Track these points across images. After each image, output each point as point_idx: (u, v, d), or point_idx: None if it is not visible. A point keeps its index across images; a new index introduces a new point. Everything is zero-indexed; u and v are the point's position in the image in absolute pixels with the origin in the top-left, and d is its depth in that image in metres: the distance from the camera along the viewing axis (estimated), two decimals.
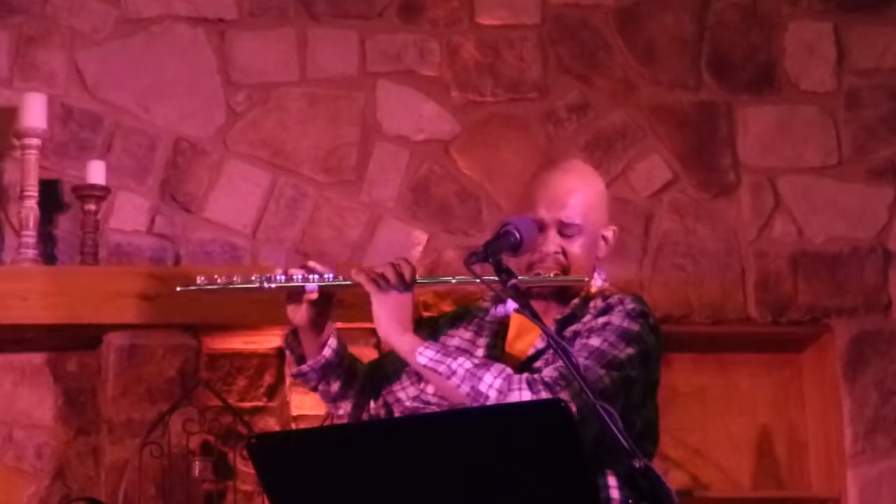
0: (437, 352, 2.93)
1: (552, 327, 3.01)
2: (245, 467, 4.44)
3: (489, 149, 4.96)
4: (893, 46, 5.16)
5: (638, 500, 2.47)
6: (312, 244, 4.83)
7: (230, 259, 4.77)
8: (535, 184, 3.14)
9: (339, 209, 4.87)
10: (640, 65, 5.06)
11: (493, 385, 2.85)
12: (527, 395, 2.81)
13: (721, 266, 4.96)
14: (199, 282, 3.07)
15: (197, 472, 4.42)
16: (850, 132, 5.09)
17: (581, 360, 2.86)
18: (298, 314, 3.06)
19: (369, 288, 2.99)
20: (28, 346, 4.57)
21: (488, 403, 2.83)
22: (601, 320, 2.98)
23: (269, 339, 4.57)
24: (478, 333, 3.13)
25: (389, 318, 2.97)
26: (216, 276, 3.05)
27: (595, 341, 2.93)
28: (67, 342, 4.57)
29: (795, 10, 5.15)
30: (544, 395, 2.78)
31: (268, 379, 4.64)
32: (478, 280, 2.87)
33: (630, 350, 2.93)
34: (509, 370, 2.89)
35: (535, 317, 2.77)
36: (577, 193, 3.09)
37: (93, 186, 4.63)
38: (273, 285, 3.02)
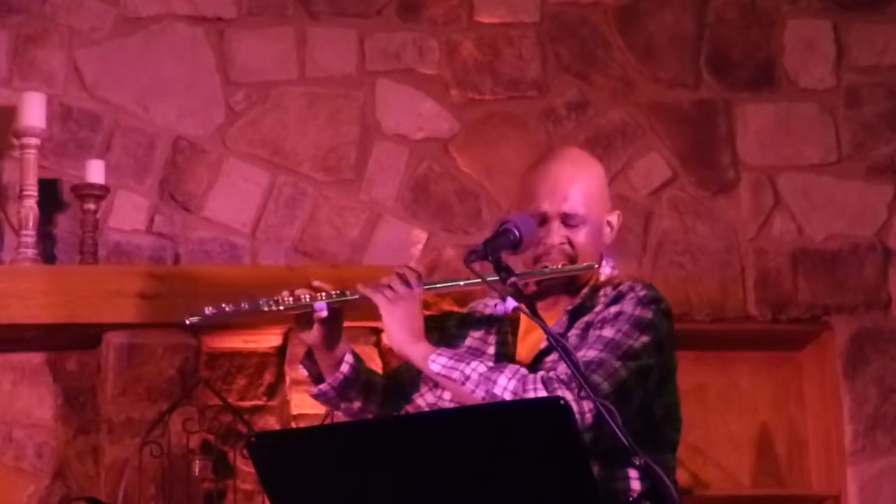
0: (450, 358, 2.91)
1: (563, 318, 3.00)
2: (245, 466, 4.43)
3: (488, 147, 4.96)
4: (893, 44, 5.16)
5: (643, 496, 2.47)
6: (312, 243, 4.83)
7: (230, 258, 4.77)
8: (533, 176, 3.11)
9: (339, 208, 4.87)
10: (640, 63, 5.06)
11: (508, 387, 2.83)
12: (542, 394, 2.79)
13: (721, 264, 4.96)
14: (206, 312, 3.02)
15: (197, 471, 4.42)
16: (850, 130, 5.09)
17: (596, 353, 2.85)
18: (311, 334, 3.04)
19: (377, 300, 2.96)
20: (28, 345, 4.57)
21: None
22: (613, 309, 2.96)
23: (269, 338, 4.57)
24: (487, 332, 3.11)
25: (400, 329, 2.95)
26: (224, 306, 3.02)
27: (609, 332, 2.91)
28: (67, 341, 4.57)
29: (795, 8, 5.15)
30: (560, 392, 2.76)
31: (268, 378, 4.64)
32: (484, 280, 2.86)
33: (644, 338, 2.90)
34: (523, 370, 2.86)
35: (534, 315, 2.76)
36: (578, 183, 3.07)
37: (92, 186, 4.63)
38: (281, 307, 2.99)
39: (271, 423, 4.61)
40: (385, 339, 3.02)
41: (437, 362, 2.90)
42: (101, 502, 4.33)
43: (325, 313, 3.00)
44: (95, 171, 4.64)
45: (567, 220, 3.04)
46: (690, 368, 4.93)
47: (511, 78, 5.01)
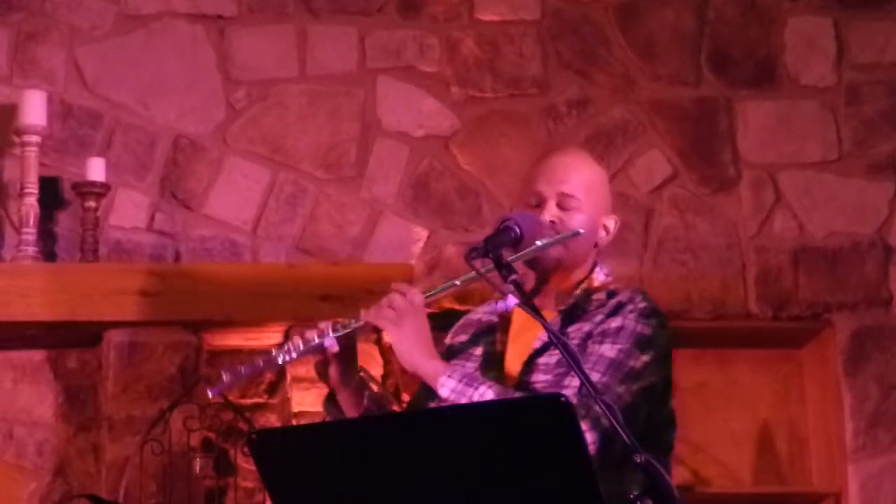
0: (460, 381, 2.87)
1: (556, 318, 2.98)
2: (246, 464, 4.44)
3: (489, 145, 4.96)
4: (893, 41, 5.15)
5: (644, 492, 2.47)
6: (312, 241, 4.83)
7: (230, 256, 4.77)
8: (535, 166, 3.10)
9: (339, 205, 4.87)
10: (640, 60, 5.06)
11: None
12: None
13: (721, 261, 4.96)
14: (224, 379, 2.95)
15: (198, 468, 4.42)
16: (851, 127, 5.08)
17: (598, 377, 2.83)
18: (331, 374, 2.98)
19: (382, 325, 2.92)
20: (28, 343, 4.57)
21: None
22: (614, 324, 2.93)
23: (270, 336, 4.57)
24: (476, 335, 3.10)
25: (410, 349, 2.91)
26: (239, 367, 2.99)
27: (610, 352, 2.89)
28: (68, 339, 4.57)
29: (795, 6, 5.14)
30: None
31: (268, 375, 4.64)
32: (479, 274, 2.85)
33: (645, 357, 2.89)
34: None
35: (535, 312, 2.75)
36: (579, 171, 3.06)
37: (93, 183, 4.63)
38: (295, 355, 2.93)
39: (272, 420, 4.61)
40: (397, 358, 2.98)
41: (446, 386, 2.87)
42: (102, 500, 4.33)
43: (336, 348, 2.95)
44: (96, 169, 4.64)
45: (563, 201, 3.02)
46: (691, 366, 4.95)
47: (512, 75, 5.01)
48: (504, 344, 3.05)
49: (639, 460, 2.46)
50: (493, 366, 3.01)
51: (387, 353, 4.46)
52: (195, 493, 4.42)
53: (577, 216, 3.02)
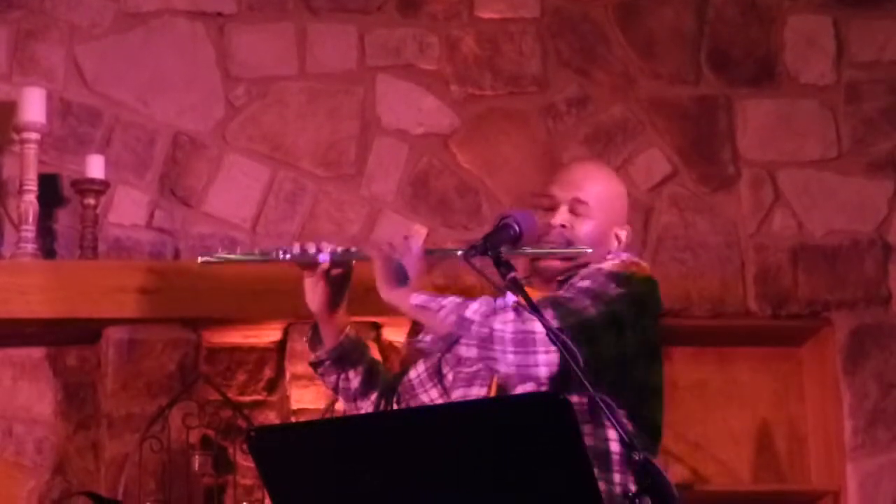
0: (430, 295, 2.93)
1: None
2: (245, 461, 4.43)
3: (489, 143, 4.96)
4: (893, 40, 5.16)
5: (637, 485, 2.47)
6: (312, 238, 4.76)
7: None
8: (554, 171, 3.16)
9: (339, 203, 4.87)
10: (640, 59, 5.06)
11: (478, 310, 2.83)
12: (510, 317, 2.78)
13: (721, 260, 4.96)
14: (219, 252, 3.17)
15: (197, 466, 4.42)
16: (850, 125, 5.08)
17: (566, 295, 2.86)
18: (316, 294, 3.08)
19: (373, 254, 3.01)
20: (27, 340, 4.57)
21: (472, 328, 2.81)
22: (594, 267, 2.97)
23: (269, 334, 4.57)
24: None
25: (390, 280, 2.97)
26: (237, 247, 3.16)
27: (584, 283, 2.91)
28: (67, 337, 4.56)
29: (795, 4, 5.15)
30: (530, 325, 2.75)
31: (267, 373, 4.64)
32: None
33: (621, 290, 2.90)
34: (499, 301, 2.84)
35: (535, 310, 2.76)
36: (596, 181, 3.09)
37: (92, 181, 4.63)
38: (288, 256, 3.09)
39: (271, 417, 4.61)
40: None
41: (418, 298, 2.92)
42: (101, 497, 4.33)
43: (327, 265, 3.06)
44: (95, 167, 4.64)
45: (575, 206, 3.04)
46: (690, 364, 4.95)
47: (511, 73, 5.01)
48: None
49: (637, 458, 2.46)
50: None
51: (386, 350, 4.46)
52: (194, 490, 4.42)
53: (587, 223, 3.04)
